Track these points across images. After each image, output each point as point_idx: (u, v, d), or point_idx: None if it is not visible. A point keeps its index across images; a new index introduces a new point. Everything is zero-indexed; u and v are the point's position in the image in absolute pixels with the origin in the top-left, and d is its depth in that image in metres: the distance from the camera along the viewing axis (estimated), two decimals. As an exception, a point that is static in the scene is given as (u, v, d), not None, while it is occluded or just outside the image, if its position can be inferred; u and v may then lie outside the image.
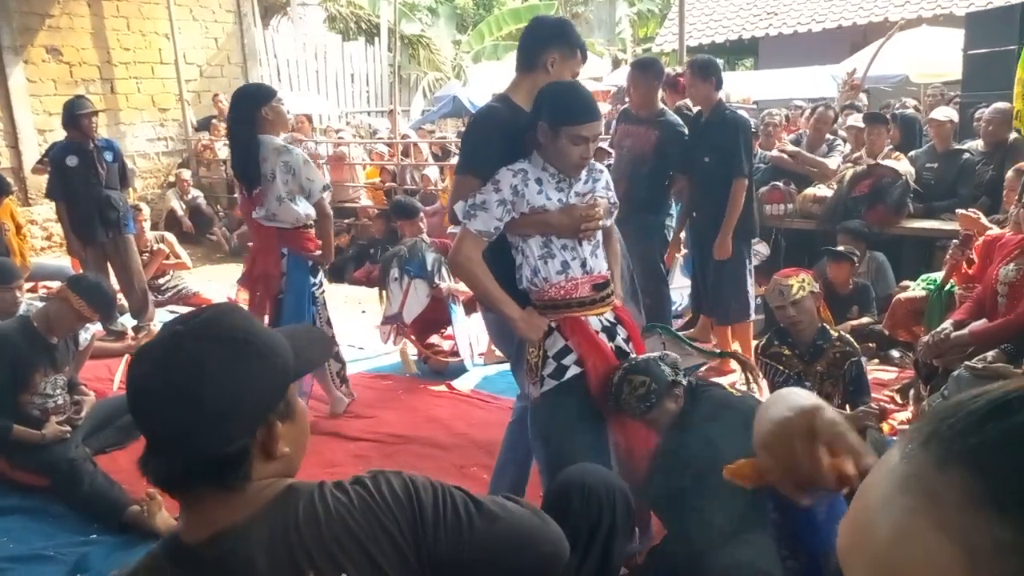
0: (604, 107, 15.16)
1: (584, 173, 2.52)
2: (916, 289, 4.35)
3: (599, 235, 2.56)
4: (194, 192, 9.54)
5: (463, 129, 12.53)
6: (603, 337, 2.50)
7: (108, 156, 5.69)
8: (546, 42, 2.65)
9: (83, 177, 5.55)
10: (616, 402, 2.42)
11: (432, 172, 8.82)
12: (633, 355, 2.55)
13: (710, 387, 2.59)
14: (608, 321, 2.54)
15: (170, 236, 7.06)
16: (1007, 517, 0.42)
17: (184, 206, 9.33)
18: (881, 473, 0.50)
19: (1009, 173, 4.53)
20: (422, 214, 5.27)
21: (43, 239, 8.98)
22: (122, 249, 5.77)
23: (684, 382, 2.48)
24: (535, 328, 2.47)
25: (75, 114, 5.57)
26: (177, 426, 1.06)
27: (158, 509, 3.20)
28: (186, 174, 9.58)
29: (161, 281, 6.80)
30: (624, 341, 2.56)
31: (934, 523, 0.44)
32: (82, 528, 3.25)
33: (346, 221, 9.32)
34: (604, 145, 4.58)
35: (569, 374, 2.45)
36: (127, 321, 5.97)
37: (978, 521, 0.42)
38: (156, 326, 5.89)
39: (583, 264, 2.49)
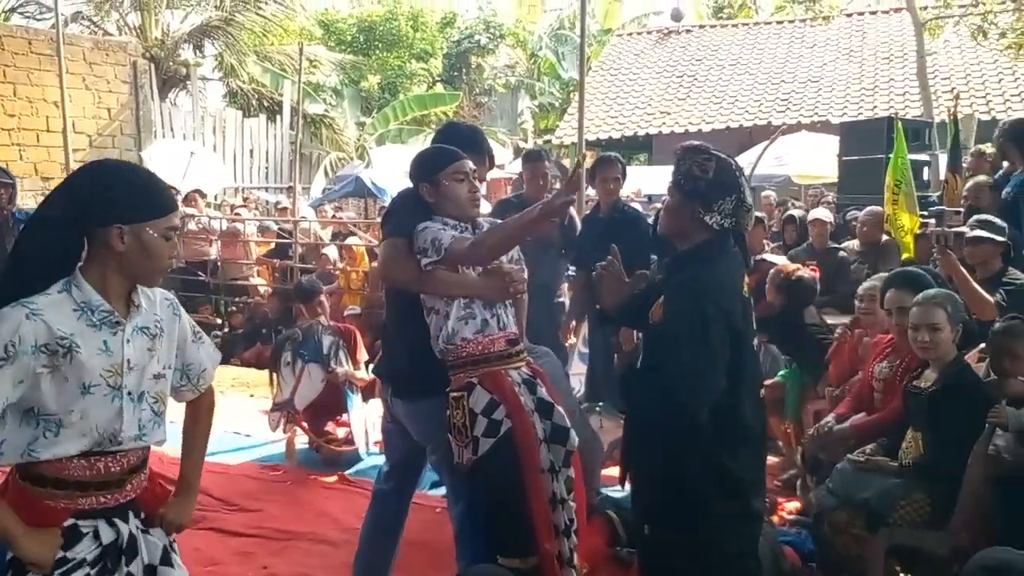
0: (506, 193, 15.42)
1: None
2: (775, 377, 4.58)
3: None
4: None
5: (365, 207, 12.52)
6: (524, 389, 2.50)
7: None
8: (459, 148, 2.73)
9: None
10: None
11: (331, 251, 8.67)
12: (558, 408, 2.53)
13: None
14: (526, 374, 2.55)
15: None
16: None
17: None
18: None
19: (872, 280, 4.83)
20: (321, 297, 5.12)
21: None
22: None
23: None
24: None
25: None
26: None
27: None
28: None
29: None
30: (546, 394, 2.56)
31: None
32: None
33: (238, 299, 9.02)
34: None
35: (504, 428, 2.42)
36: None
37: None
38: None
39: (499, 321, 2.53)
